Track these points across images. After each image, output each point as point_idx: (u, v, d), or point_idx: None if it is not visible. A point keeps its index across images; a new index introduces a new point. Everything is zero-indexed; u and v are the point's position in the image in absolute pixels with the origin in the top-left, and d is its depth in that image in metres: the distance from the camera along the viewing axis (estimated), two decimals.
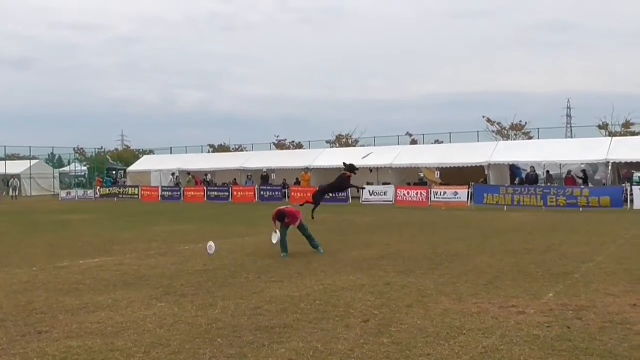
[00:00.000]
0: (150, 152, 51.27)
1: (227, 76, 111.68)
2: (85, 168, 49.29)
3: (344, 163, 8.77)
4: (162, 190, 33.44)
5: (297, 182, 30.62)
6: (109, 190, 36.38)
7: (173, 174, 36.52)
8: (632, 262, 9.26)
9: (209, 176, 36.33)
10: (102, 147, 55.25)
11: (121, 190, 35.87)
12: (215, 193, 31.49)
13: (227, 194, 30.97)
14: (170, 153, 44.44)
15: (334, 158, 32.14)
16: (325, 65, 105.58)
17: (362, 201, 26.50)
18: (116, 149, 63.70)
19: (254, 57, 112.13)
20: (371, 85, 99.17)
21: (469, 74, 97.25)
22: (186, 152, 43.22)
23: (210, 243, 10.46)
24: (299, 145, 48.36)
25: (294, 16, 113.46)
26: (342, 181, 8.65)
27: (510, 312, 6.24)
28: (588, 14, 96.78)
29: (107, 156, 54.03)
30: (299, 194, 27.79)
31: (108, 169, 45.84)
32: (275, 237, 10.55)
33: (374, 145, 38.37)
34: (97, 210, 25.55)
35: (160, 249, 11.82)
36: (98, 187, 37.15)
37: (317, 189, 8.50)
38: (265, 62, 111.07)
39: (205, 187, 32.64)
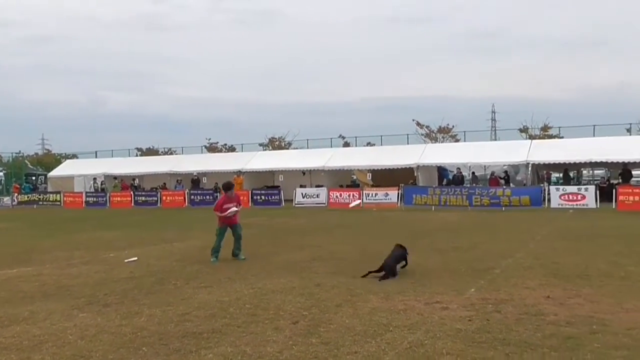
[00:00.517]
0: (74, 156, 48.83)
1: (159, 78, 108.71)
2: (1, 174, 46.26)
3: (399, 245, 9.08)
4: (87, 196, 31.99)
5: None
6: (28, 197, 34.45)
7: (94, 179, 35.04)
8: (548, 257, 9.87)
9: (136, 181, 35.15)
10: (20, 151, 52.14)
11: (41, 196, 34.09)
12: (144, 198, 30.55)
13: (155, 199, 30.14)
14: (96, 157, 42.56)
15: (267, 161, 32.12)
16: (260, 68, 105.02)
17: (295, 204, 26.57)
18: (36, 154, 60.53)
19: (186, 59, 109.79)
20: (305, 88, 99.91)
21: (400, 78, 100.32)
22: (112, 156, 41.55)
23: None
24: (231, 149, 47.74)
25: (228, 17, 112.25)
26: (402, 254, 8.87)
27: (435, 308, 6.47)
28: (514, 22, 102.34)
29: (26, 161, 51.11)
30: None
31: (27, 174, 43.29)
32: (231, 211, 10.31)
33: (307, 147, 38.48)
34: (14, 219, 24.05)
35: (84, 258, 11.28)
36: (15, 194, 35.03)
37: (387, 263, 8.54)
38: (198, 64, 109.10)
39: (132, 192, 31.55)
